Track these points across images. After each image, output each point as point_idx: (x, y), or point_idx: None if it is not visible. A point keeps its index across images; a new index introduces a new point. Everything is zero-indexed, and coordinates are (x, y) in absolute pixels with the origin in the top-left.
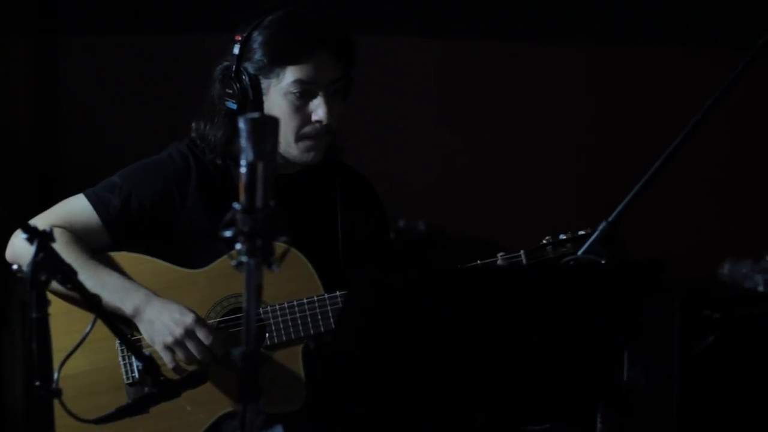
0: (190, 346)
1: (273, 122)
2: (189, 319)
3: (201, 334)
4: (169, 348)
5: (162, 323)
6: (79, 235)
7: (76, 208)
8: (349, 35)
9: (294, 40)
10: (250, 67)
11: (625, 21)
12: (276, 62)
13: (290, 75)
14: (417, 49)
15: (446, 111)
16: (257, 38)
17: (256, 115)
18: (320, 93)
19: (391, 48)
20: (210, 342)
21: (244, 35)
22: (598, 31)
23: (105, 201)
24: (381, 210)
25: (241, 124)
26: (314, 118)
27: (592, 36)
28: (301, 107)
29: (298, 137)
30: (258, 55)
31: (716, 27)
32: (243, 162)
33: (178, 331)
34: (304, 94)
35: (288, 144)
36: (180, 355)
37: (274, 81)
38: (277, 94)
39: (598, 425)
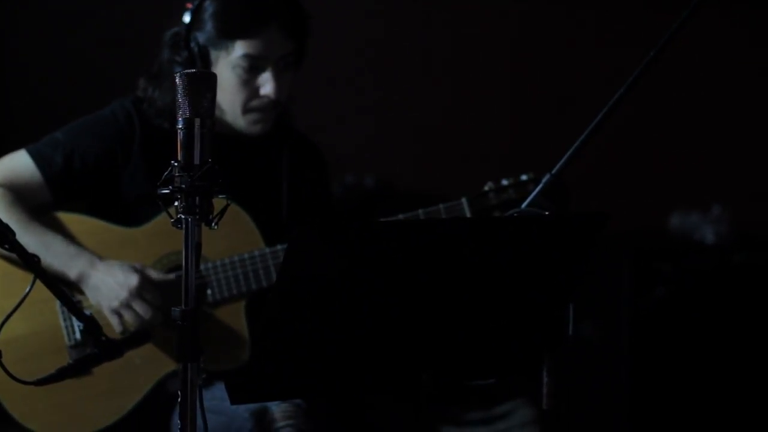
0: (137, 307)
1: (210, 78)
2: (134, 280)
3: (147, 294)
4: (116, 312)
5: (107, 287)
6: (21, 192)
7: (18, 164)
8: (303, 8)
9: (244, 15)
10: (200, 36)
11: None
12: (225, 35)
13: (239, 49)
14: (355, 2)
15: (387, 63)
16: (208, 8)
17: (192, 70)
18: (269, 68)
19: (329, 1)
20: (158, 301)
21: (195, 3)
22: None
23: (47, 158)
24: (327, 178)
25: (178, 80)
26: (262, 92)
27: None
28: (249, 81)
29: (246, 110)
30: (208, 26)
31: None
32: (180, 118)
33: (123, 294)
34: (252, 68)
35: (235, 115)
36: (128, 317)
37: (223, 53)
38: (226, 67)
39: (544, 379)
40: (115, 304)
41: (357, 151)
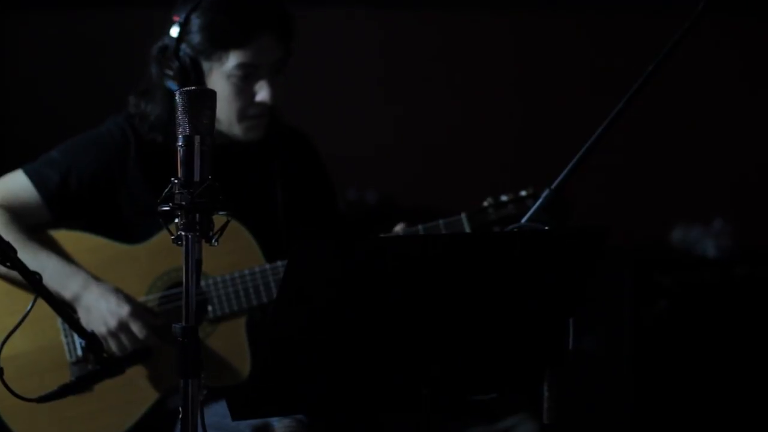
0: (123, 338)
1: (209, 95)
2: (124, 311)
3: (135, 327)
4: (103, 338)
5: (98, 312)
6: (19, 213)
7: (16, 184)
8: (289, 11)
9: (237, 25)
10: (189, 49)
11: None
12: (218, 47)
13: (233, 59)
14: (361, 19)
15: (389, 79)
16: (196, 21)
17: (192, 87)
18: (264, 75)
19: (336, 18)
20: (144, 336)
21: (183, 17)
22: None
23: (44, 177)
24: (320, 165)
25: (177, 98)
26: (258, 99)
27: (535, 4)
28: (244, 89)
29: (242, 117)
30: (198, 38)
31: None
32: (180, 136)
33: (112, 323)
34: (247, 76)
35: (231, 124)
36: (113, 345)
37: (216, 64)
38: (220, 77)
39: (545, 394)
40: (103, 330)
41: (359, 166)
